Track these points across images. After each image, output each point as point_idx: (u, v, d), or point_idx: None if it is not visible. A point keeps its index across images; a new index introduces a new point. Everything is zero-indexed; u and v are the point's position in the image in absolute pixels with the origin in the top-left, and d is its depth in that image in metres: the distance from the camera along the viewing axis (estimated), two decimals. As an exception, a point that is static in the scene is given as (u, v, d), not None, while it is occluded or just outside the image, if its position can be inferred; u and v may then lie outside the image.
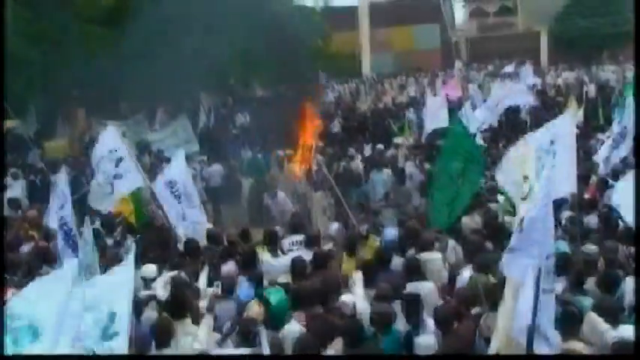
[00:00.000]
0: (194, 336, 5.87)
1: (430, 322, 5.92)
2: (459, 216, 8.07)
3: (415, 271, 6.96)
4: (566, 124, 7.97)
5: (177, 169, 9.43)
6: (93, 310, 4.65)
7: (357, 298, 6.36)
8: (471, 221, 8.83)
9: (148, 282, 7.31)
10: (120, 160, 9.27)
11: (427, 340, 5.60)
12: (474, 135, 9.08)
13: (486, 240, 7.90)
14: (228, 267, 7.51)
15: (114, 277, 4.98)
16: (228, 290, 6.89)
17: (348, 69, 32.94)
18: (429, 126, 15.72)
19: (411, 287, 6.59)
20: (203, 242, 8.61)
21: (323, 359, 5.42)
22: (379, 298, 6.24)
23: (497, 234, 7.97)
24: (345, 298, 6.26)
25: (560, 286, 6.05)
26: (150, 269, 7.47)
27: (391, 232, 8.29)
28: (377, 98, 28.32)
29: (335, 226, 8.89)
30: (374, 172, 13.12)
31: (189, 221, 9.22)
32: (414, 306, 5.92)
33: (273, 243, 8.34)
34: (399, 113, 21.09)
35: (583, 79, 28.55)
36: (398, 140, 15.81)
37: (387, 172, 13.15)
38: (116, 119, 17.39)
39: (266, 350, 5.40)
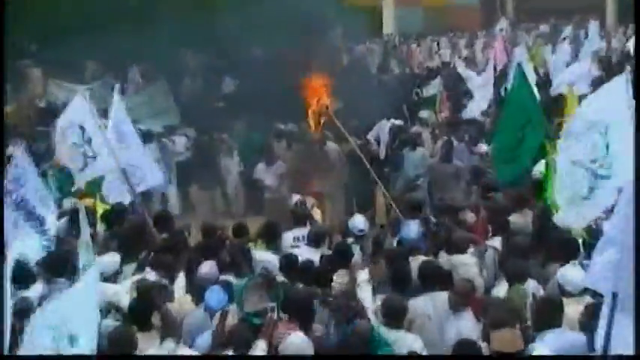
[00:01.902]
0: (159, 347, 6.05)
1: None
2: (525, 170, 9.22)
3: (430, 280, 6.98)
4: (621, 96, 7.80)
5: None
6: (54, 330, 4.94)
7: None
8: (522, 219, 8.77)
9: (110, 277, 7.35)
10: (89, 141, 9.33)
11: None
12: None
13: (535, 243, 7.85)
14: (207, 268, 7.50)
15: (76, 292, 5.23)
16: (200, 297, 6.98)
17: (366, 27, 32.70)
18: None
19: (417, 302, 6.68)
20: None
21: (317, 358, 5.67)
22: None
23: (546, 236, 7.91)
24: None
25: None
26: (108, 261, 7.49)
27: (412, 228, 8.22)
28: (401, 63, 28.11)
29: (360, 221, 8.79)
30: (406, 150, 13.07)
31: (126, 165, 9.28)
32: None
33: (271, 237, 8.32)
34: (428, 82, 20.90)
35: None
36: (424, 114, 15.68)
37: (421, 150, 13.07)
38: (80, 82, 17.36)
39: None
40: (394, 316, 6.35)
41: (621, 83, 7.71)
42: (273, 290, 6.68)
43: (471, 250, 7.84)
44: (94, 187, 9.90)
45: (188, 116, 16.28)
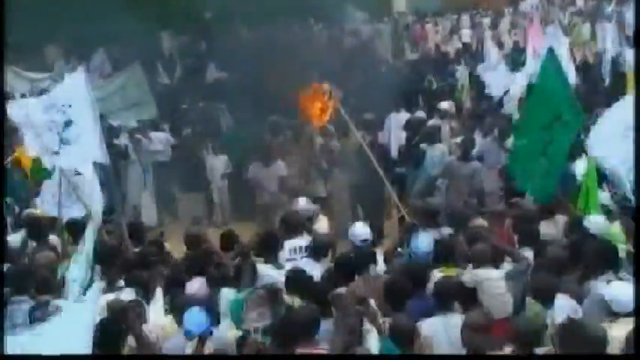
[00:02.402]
0: None
1: None
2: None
3: (446, 299, 7.05)
4: None
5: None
6: None
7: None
8: (554, 228, 8.83)
9: None
10: (68, 123, 9.37)
11: None
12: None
13: (569, 254, 7.88)
14: (196, 286, 7.58)
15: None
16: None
17: (374, 5, 32.72)
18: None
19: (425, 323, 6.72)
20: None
21: (320, 359, 5.86)
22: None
23: (582, 246, 7.93)
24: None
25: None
26: None
27: (426, 241, 8.24)
28: (414, 46, 28.14)
29: (361, 229, 8.83)
30: (423, 146, 13.14)
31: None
32: None
33: (270, 249, 8.38)
34: (446, 67, 20.94)
35: None
36: (444, 106, 15.71)
37: (440, 147, 13.19)
38: (40, 69, 17.39)
39: None
40: (401, 340, 6.36)
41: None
42: (276, 306, 6.73)
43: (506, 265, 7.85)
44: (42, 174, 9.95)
45: (167, 109, 16.29)
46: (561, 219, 8.95)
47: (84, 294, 5.94)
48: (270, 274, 7.80)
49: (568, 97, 9.32)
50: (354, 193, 13.05)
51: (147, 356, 6.03)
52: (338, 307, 6.59)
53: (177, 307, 7.30)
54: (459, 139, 13.25)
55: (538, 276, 7.27)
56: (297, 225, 9.12)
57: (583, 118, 9.39)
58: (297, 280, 7.42)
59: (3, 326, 5.36)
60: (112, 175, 10.76)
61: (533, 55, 16.52)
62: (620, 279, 6.99)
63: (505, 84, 16.05)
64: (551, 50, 10.00)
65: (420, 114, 15.31)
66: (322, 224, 9.91)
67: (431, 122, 14.56)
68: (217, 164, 14.50)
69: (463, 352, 6.47)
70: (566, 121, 9.07)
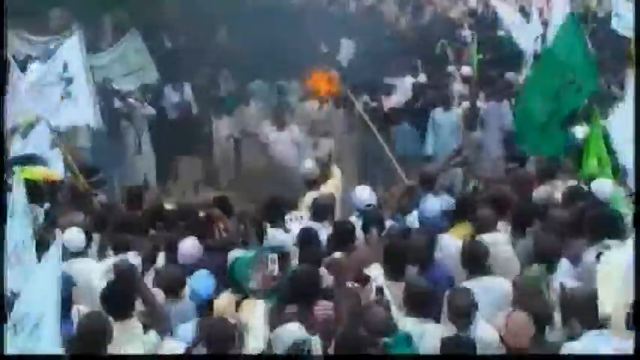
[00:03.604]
0: (141, 339, 6.10)
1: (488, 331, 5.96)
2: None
3: (479, 260, 6.95)
4: None
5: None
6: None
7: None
8: (549, 191, 8.77)
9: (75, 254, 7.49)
10: (69, 80, 9.71)
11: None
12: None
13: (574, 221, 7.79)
14: (188, 245, 7.53)
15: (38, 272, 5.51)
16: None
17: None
18: None
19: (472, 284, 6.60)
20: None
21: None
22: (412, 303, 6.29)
23: (585, 213, 7.84)
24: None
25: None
26: (74, 236, 7.48)
27: (433, 206, 8.20)
28: (418, 10, 27.94)
29: (364, 193, 8.80)
30: (437, 111, 13.13)
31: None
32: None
33: (275, 215, 8.37)
34: (452, 32, 20.83)
35: None
36: (466, 71, 15.58)
37: (457, 111, 13.16)
38: (44, 33, 17.29)
39: None
40: (417, 305, 6.27)
41: None
42: (286, 269, 6.73)
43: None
44: None
45: (169, 74, 16.24)
46: (560, 184, 8.84)
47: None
48: (279, 237, 7.77)
49: (585, 61, 9.17)
50: (361, 159, 13.05)
51: (147, 356, 6.04)
52: (334, 274, 6.56)
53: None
54: (464, 105, 13.29)
55: (542, 239, 7.21)
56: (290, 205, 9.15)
57: (593, 85, 9.30)
58: (306, 238, 7.47)
59: (3, 327, 5.31)
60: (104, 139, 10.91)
61: (540, 19, 16.31)
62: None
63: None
64: (572, 15, 9.87)
65: (422, 77, 15.33)
66: (334, 181, 9.99)
67: (455, 88, 14.63)
68: (222, 126, 14.48)
69: (501, 314, 6.28)
70: (579, 86, 8.97)
